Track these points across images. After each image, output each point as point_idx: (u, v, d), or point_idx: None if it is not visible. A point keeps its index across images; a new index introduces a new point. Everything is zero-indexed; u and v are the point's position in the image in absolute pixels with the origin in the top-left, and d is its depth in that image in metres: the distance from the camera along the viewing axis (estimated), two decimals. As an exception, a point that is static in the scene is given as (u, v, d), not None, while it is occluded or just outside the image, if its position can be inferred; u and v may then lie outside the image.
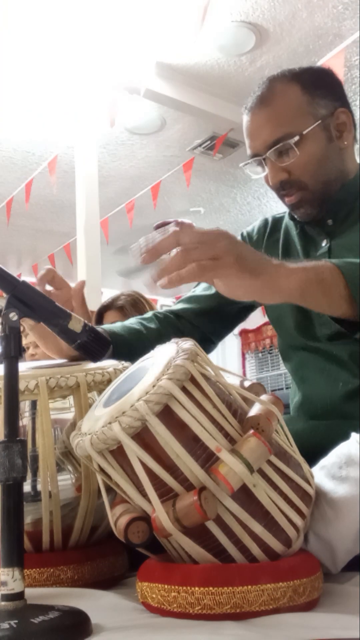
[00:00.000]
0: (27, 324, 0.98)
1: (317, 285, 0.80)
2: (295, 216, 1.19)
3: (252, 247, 0.79)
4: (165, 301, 7.24)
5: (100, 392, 0.84)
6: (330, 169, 1.13)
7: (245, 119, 1.15)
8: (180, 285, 0.69)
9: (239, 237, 1.35)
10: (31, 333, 1.01)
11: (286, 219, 1.28)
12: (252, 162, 1.15)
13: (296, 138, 1.08)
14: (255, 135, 1.13)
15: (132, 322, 1.19)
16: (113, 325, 1.15)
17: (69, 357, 1.01)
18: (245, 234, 1.35)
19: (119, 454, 0.67)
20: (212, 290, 1.28)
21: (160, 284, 0.68)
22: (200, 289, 1.32)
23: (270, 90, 1.13)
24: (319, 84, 1.14)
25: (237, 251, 0.73)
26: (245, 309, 1.30)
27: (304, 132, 1.09)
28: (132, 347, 1.09)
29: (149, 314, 1.26)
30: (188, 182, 4.05)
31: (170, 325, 1.24)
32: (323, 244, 1.17)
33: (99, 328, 1.11)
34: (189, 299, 1.30)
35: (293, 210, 1.18)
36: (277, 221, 1.31)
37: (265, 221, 1.33)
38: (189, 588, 0.62)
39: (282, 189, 1.14)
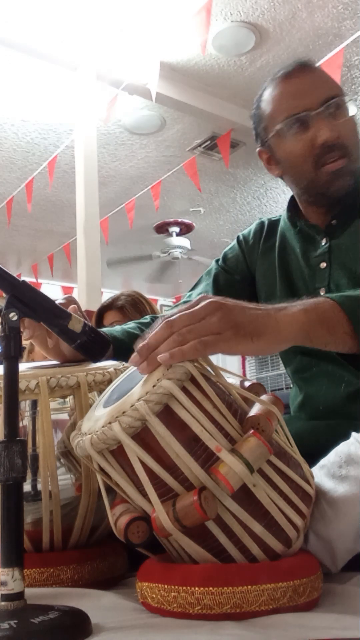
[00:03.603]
0: (27, 333, 0.97)
1: (320, 327, 0.79)
2: (332, 189, 1.11)
3: (244, 305, 0.76)
4: (165, 301, 7.25)
5: (100, 392, 0.84)
6: None
7: (288, 82, 1.13)
8: (183, 360, 0.67)
9: (235, 242, 1.35)
10: (32, 341, 1.00)
11: (282, 222, 1.28)
12: (294, 121, 1.10)
13: (346, 98, 1.10)
14: (308, 92, 1.11)
15: (131, 326, 1.19)
16: (113, 329, 1.15)
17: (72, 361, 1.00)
18: (241, 237, 1.34)
19: (119, 453, 0.67)
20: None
21: (161, 358, 0.67)
22: (197, 293, 1.32)
23: (308, 62, 1.16)
24: None
25: (233, 322, 0.71)
26: None
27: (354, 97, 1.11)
28: (132, 351, 1.09)
29: (147, 319, 1.26)
30: (198, 186, 4.02)
31: None
32: (323, 243, 1.17)
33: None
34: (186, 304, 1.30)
35: (332, 181, 1.11)
36: (273, 225, 1.30)
37: (262, 224, 1.32)
38: (189, 588, 0.62)
39: (329, 151, 1.09)
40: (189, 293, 1.35)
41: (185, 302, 1.30)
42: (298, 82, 1.12)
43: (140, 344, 0.71)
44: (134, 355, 0.70)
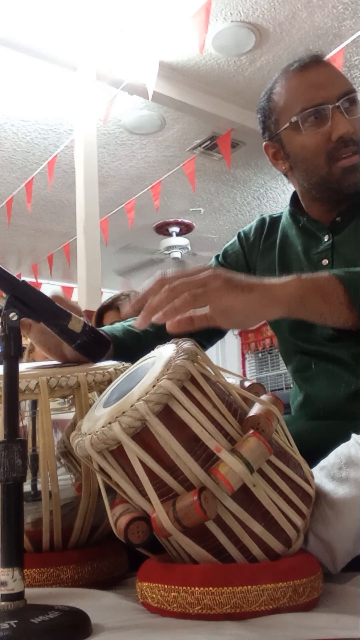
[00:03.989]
0: (31, 334, 0.97)
1: (315, 293, 0.80)
2: (344, 185, 1.10)
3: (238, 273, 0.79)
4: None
5: (100, 392, 0.84)
6: None
7: (304, 74, 1.12)
8: (176, 317, 0.70)
9: (235, 238, 1.34)
10: (33, 342, 1.00)
11: (283, 219, 1.27)
12: (311, 113, 1.09)
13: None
14: (326, 84, 1.10)
15: (132, 323, 1.19)
16: (113, 327, 1.15)
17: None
18: (242, 234, 1.33)
19: (119, 454, 0.67)
20: None
21: (155, 319, 0.69)
22: None
23: (322, 55, 1.15)
24: None
25: (224, 274, 0.74)
26: None
27: None
28: (132, 351, 1.09)
29: None
30: (193, 186, 4.02)
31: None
32: (325, 240, 1.16)
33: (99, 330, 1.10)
34: None
35: (346, 176, 1.10)
36: (274, 221, 1.29)
37: (263, 221, 1.31)
38: (188, 588, 0.62)
39: (344, 146, 1.08)
40: None
41: None
42: (315, 74, 1.11)
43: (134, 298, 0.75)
44: (128, 310, 0.74)
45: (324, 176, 1.11)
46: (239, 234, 1.34)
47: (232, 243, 1.34)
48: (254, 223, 1.33)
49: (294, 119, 1.11)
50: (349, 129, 1.07)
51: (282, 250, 1.23)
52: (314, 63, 1.13)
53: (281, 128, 1.14)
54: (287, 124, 1.12)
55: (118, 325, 1.17)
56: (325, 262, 1.15)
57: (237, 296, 0.74)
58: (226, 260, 1.33)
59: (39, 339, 0.98)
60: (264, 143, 1.20)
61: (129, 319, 1.22)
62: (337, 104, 1.08)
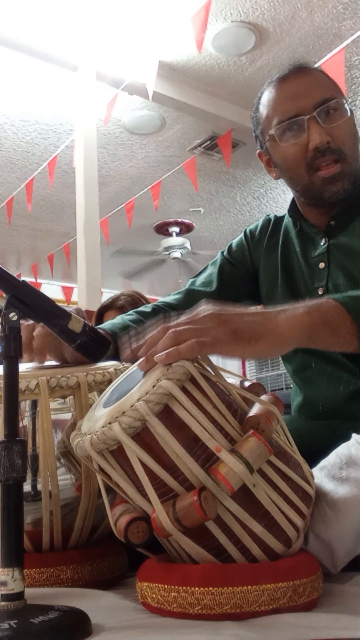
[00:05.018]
0: (36, 336, 0.97)
1: (323, 328, 0.78)
2: (326, 195, 1.11)
3: (243, 312, 0.76)
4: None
5: (100, 392, 0.84)
6: None
7: (282, 85, 1.13)
8: (179, 360, 0.67)
9: (241, 235, 1.35)
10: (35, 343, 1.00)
11: (286, 220, 1.29)
12: (286, 126, 1.10)
13: (343, 100, 1.09)
14: (302, 95, 1.10)
15: (132, 318, 1.19)
16: (113, 324, 1.15)
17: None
18: (248, 232, 1.35)
19: (119, 454, 0.67)
20: (212, 288, 1.28)
21: (157, 359, 0.68)
22: (200, 282, 1.32)
23: (304, 64, 1.15)
24: None
25: (230, 328, 0.71)
26: None
27: (348, 101, 1.10)
28: None
29: (148, 307, 1.26)
30: (196, 186, 4.02)
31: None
32: (321, 243, 1.17)
33: (99, 328, 1.11)
34: (188, 293, 1.30)
35: (326, 186, 1.10)
36: (278, 222, 1.31)
37: (268, 221, 1.33)
38: (188, 588, 0.62)
39: (321, 156, 1.08)
40: (192, 280, 1.35)
41: (189, 290, 1.30)
42: (292, 85, 1.12)
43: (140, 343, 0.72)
44: (128, 355, 0.72)
45: (306, 186, 1.13)
46: (245, 232, 1.36)
47: (238, 240, 1.36)
48: (260, 222, 1.35)
49: (271, 132, 1.13)
50: (325, 138, 1.08)
51: (284, 250, 1.25)
52: (293, 74, 1.13)
53: (265, 139, 1.16)
54: (268, 136, 1.15)
55: (118, 321, 1.17)
56: (321, 265, 1.16)
57: (244, 348, 0.72)
58: (231, 255, 1.34)
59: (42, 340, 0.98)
60: (257, 151, 1.23)
61: (129, 312, 1.22)
62: (313, 114, 1.08)
